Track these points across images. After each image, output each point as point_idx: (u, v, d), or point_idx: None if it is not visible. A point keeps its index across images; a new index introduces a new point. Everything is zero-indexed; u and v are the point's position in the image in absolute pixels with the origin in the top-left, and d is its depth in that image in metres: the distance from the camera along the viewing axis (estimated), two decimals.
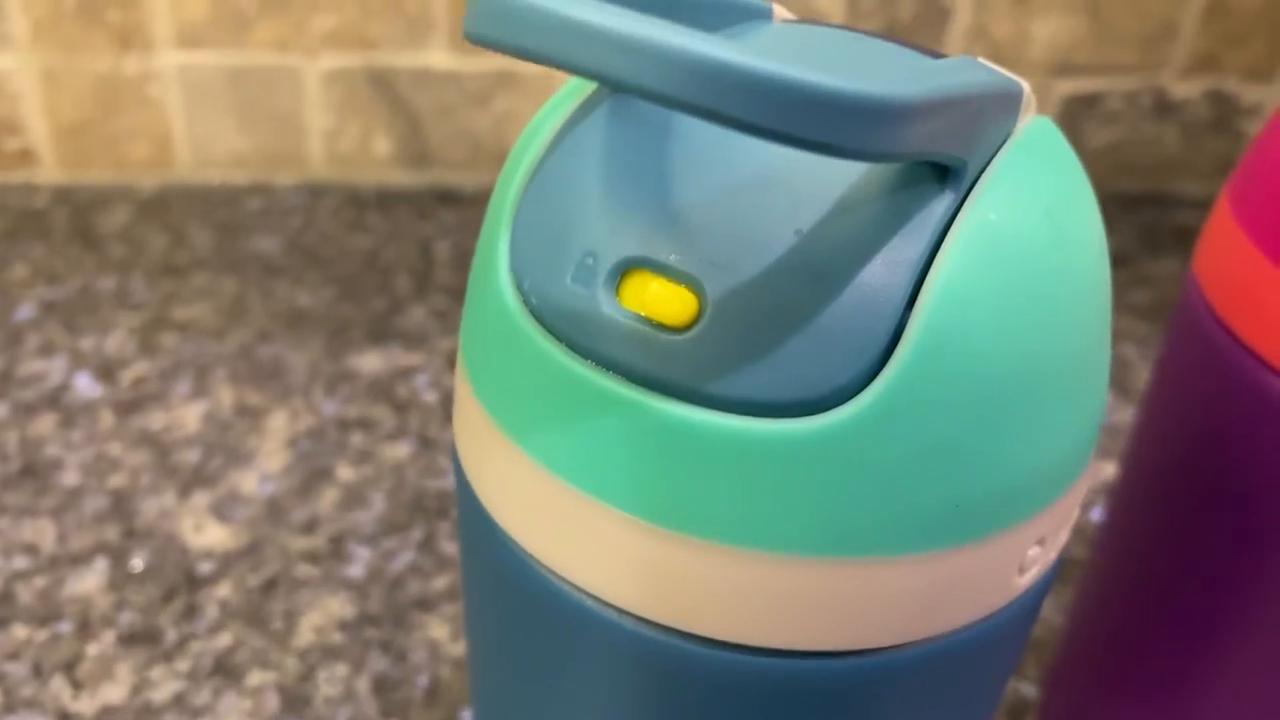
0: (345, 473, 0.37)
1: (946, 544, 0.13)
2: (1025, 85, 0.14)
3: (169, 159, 0.51)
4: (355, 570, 0.33)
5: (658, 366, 0.12)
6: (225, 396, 0.40)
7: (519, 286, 0.13)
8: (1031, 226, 0.12)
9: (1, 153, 0.50)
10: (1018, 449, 0.13)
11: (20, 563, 0.33)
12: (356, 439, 0.38)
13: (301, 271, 0.47)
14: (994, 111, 0.13)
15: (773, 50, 0.14)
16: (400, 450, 0.38)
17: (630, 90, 0.10)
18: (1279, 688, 0.21)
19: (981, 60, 0.15)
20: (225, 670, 0.30)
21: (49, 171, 0.51)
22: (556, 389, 0.13)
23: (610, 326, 0.12)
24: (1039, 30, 0.52)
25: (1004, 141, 0.13)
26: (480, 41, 0.10)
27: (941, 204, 0.12)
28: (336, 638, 0.31)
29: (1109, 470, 0.38)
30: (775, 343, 0.12)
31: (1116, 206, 0.54)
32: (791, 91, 0.09)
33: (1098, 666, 0.25)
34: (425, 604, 0.32)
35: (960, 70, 0.12)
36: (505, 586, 0.15)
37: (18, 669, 0.30)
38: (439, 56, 0.50)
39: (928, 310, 0.12)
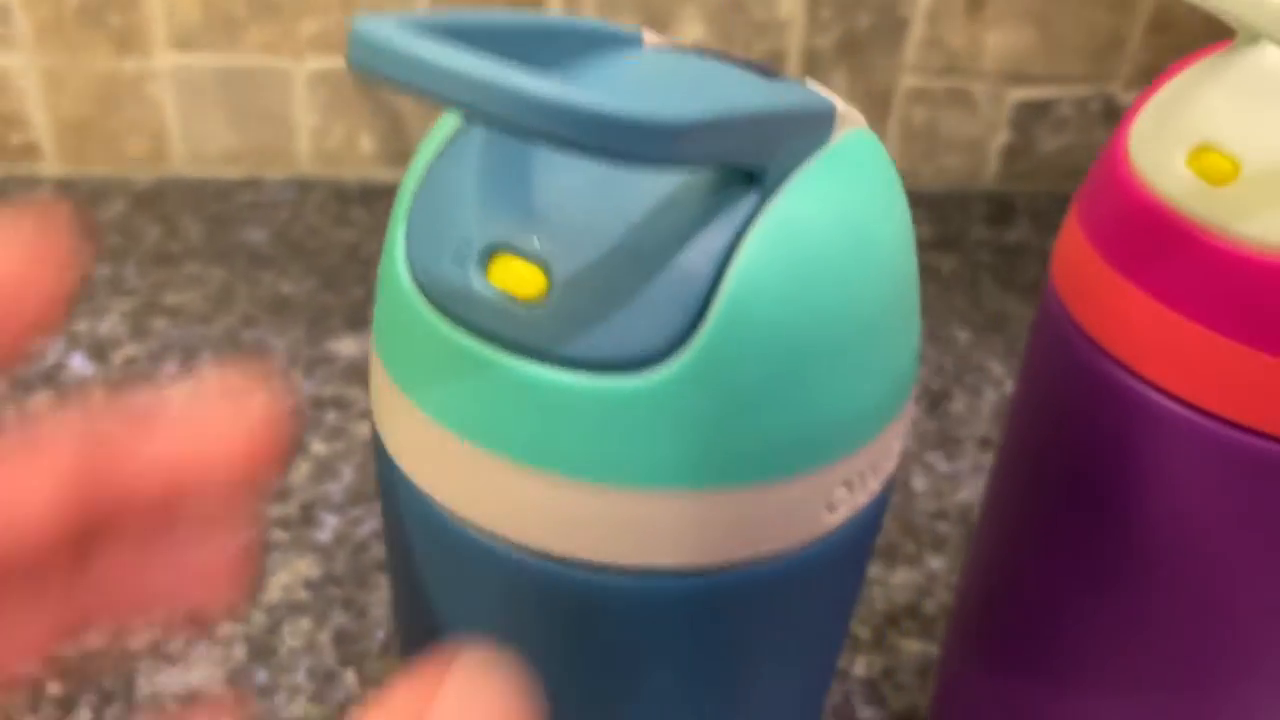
0: (318, 447, 0.40)
1: (759, 480, 0.15)
2: (839, 104, 0.17)
3: (164, 154, 0.54)
4: (323, 535, 0.36)
5: (518, 333, 0.15)
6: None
7: (411, 268, 0.16)
8: (825, 220, 0.15)
9: (6, 146, 0.53)
10: (815, 402, 0.15)
11: None
12: (330, 417, 0.41)
13: (287, 262, 0.50)
14: (797, 127, 0.15)
15: (594, 80, 0.16)
16: (370, 428, 0.40)
17: (461, 109, 0.12)
18: (1125, 652, 0.23)
19: (809, 84, 0.18)
20: (196, 621, 0.33)
21: (50, 165, 0.54)
22: (441, 353, 0.16)
23: (480, 300, 0.15)
24: (992, 41, 0.55)
25: (814, 151, 0.16)
26: (356, 69, 0.13)
27: (748, 202, 0.15)
28: (302, 595, 0.34)
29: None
30: (608, 312, 0.15)
31: (1065, 209, 0.57)
32: (576, 114, 0.12)
33: (979, 632, 0.28)
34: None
35: (768, 93, 0.15)
36: (410, 523, 0.18)
37: None
38: None
39: (729, 286, 0.14)
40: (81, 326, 0.44)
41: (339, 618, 0.34)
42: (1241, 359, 0.19)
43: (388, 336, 0.17)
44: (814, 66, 0.55)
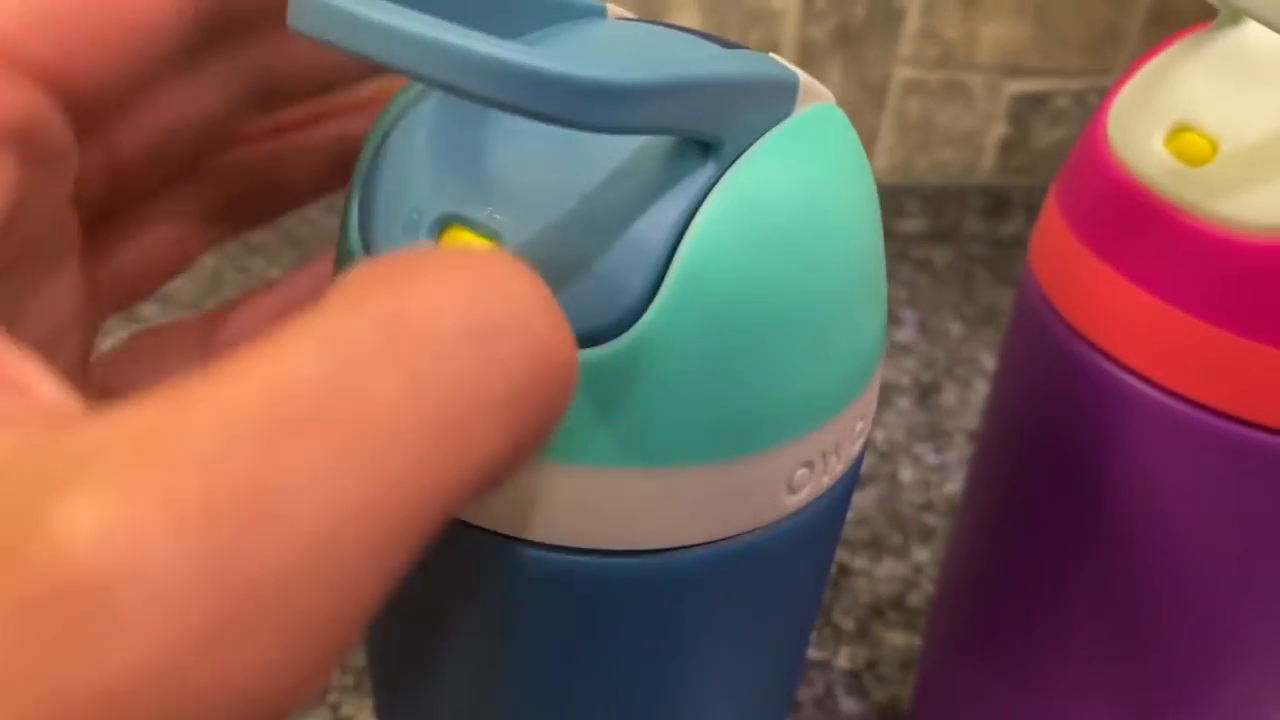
0: None
1: (716, 458, 0.15)
2: (801, 76, 0.16)
3: None
4: None
5: None
6: None
7: (364, 238, 0.16)
8: (783, 192, 0.15)
9: None
10: (772, 380, 0.15)
11: None
12: None
13: (278, 250, 0.49)
14: (755, 98, 0.15)
15: (550, 45, 0.16)
16: None
17: (404, 73, 0.12)
18: (1103, 637, 0.23)
19: (771, 56, 0.17)
20: None
21: None
22: None
23: None
24: (987, 33, 0.55)
25: (776, 124, 0.16)
26: (297, 31, 0.13)
27: (704, 174, 0.14)
28: None
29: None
30: (561, 285, 0.14)
31: None
32: (523, 74, 0.12)
33: (959, 621, 0.27)
34: None
35: (725, 61, 0.15)
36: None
37: None
38: None
39: (683, 258, 0.14)
40: None
41: None
42: (1216, 342, 0.19)
43: None
44: (808, 57, 0.54)
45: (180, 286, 0.46)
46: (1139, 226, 0.20)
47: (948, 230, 0.55)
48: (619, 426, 0.15)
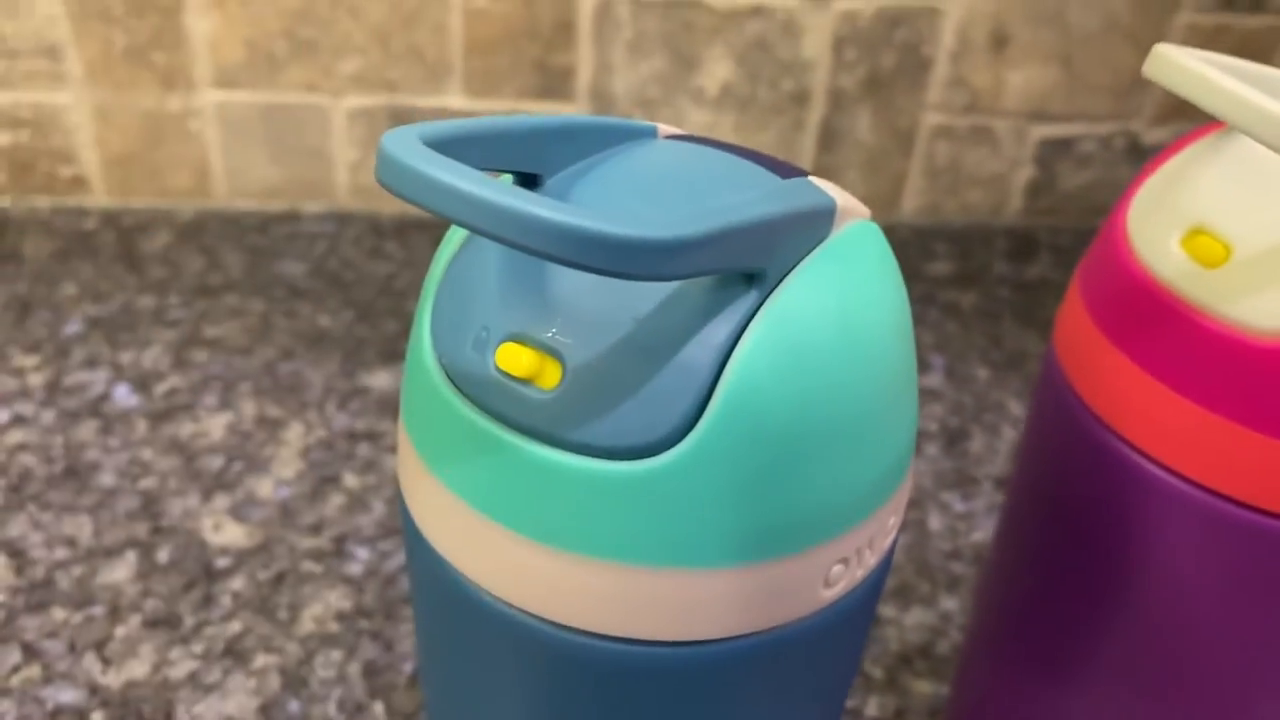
0: (351, 480, 0.41)
1: (756, 559, 0.16)
2: (839, 200, 0.18)
3: (207, 188, 0.56)
4: (354, 568, 0.38)
5: (532, 418, 0.16)
6: (248, 409, 0.44)
7: (436, 351, 0.17)
8: (820, 316, 0.16)
9: (57, 179, 0.55)
10: (810, 486, 0.16)
11: (61, 553, 0.37)
12: (363, 449, 0.42)
13: (324, 294, 0.51)
14: (796, 229, 0.16)
15: (606, 185, 0.17)
16: None
17: (477, 232, 0.14)
18: (1120, 694, 0.24)
19: (815, 181, 0.18)
20: (235, 653, 0.34)
21: (98, 197, 0.56)
22: (460, 432, 0.17)
23: (497, 385, 0.16)
24: (1015, 80, 0.56)
25: (815, 246, 0.17)
26: (383, 187, 0.14)
27: (747, 300, 0.16)
28: (334, 627, 0.35)
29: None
30: (615, 402, 0.16)
31: (1088, 243, 0.57)
32: (579, 237, 0.13)
33: (985, 673, 0.28)
34: None
35: (766, 200, 0.16)
36: (431, 585, 0.19)
37: (56, 646, 0.34)
38: (455, 99, 0.54)
39: (728, 382, 0.15)
40: (126, 358, 0.46)
41: (368, 650, 0.35)
42: (1227, 433, 0.20)
43: (415, 413, 0.18)
44: (839, 105, 0.56)
45: (230, 333, 0.48)
46: (1155, 321, 0.21)
47: (975, 273, 0.56)
48: (664, 531, 0.16)
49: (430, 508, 0.18)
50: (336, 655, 0.35)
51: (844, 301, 0.17)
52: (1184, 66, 0.19)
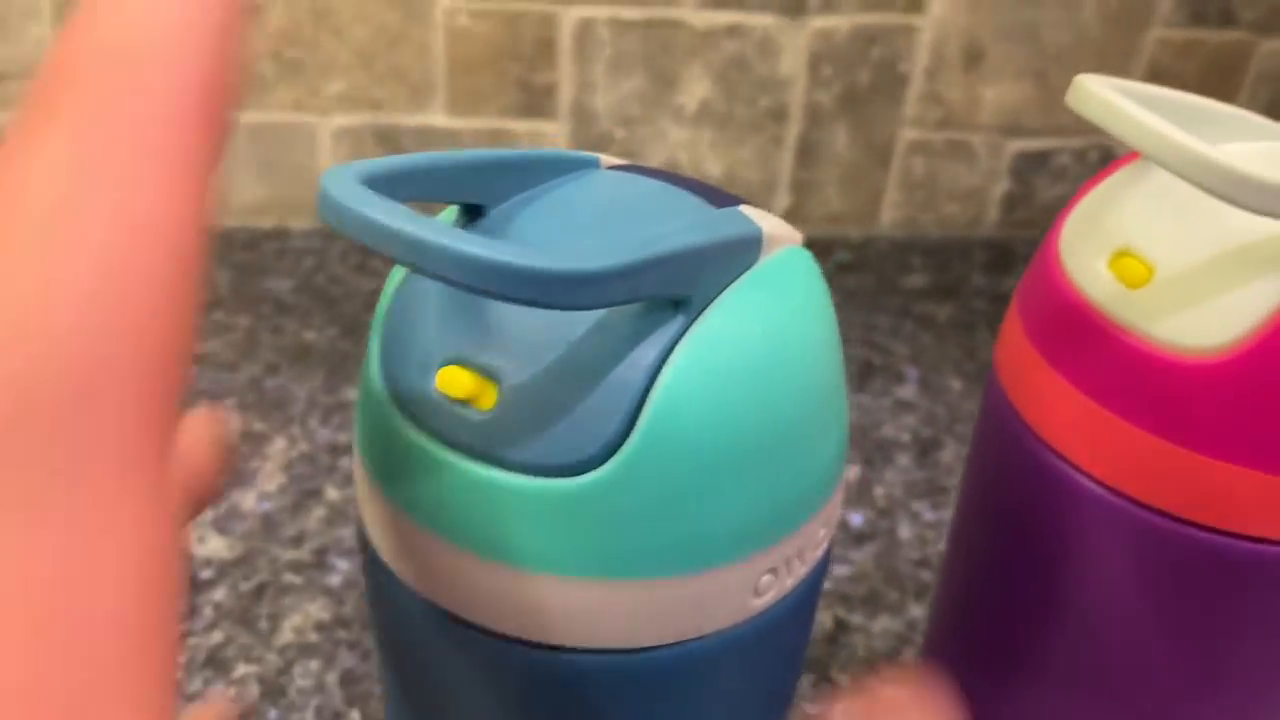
0: (332, 493, 0.42)
1: (684, 571, 0.17)
2: (765, 227, 0.18)
3: None
4: (334, 579, 0.38)
5: (470, 437, 0.17)
6: (233, 423, 0.45)
7: (384, 375, 0.18)
8: (743, 339, 0.17)
9: None
10: (736, 502, 0.17)
11: None
12: (345, 463, 0.43)
13: (310, 310, 0.52)
14: (720, 257, 0.17)
15: (540, 217, 0.18)
16: None
17: (411, 268, 0.14)
18: (1065, 691, 0.25)
19: (746, 210, 0.19)
20: (216, 663, 0.35)
21: None
22: (405, 451, 0.18)
23: (438, 406, 0.17)
24: (989, 95, 0.57)
25: (742, 273, 0.18)
26: (325, 223, 0.15)
27: (674, 325, 0.17)
28: (313, 637, 0.36)
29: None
30: (547, 423, 0.17)
31: None
32: (504, 272, 0.14)
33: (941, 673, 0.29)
34: None
35: (694, 230, 0.17)
36: (383, 597, 0.20)
37: None
38: (439, 117, 0.55)
39: (653, 403, 0.16)
40: None
41: (346, 660, 0.36)
42: (1151, 447, 0.21)
43: (365, 433, 0.19)
44: (816, 121, 0.57)
45: (217, 348, 0.49)
46: (1084, 339, 0.22)
47: (951, 285, 0.57)
48: (595, 545, 0.17)
49: (380, 522, 0.19)
50: (315, 665, 0.35)
51: (767, 325, 0.17)
52: (1100, 98, 0.20)
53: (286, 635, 0.36)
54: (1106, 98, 0.19)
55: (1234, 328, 0.20)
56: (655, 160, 0.57)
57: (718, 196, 0.20)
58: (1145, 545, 0.22)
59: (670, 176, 0.20)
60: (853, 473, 0.45)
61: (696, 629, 0.18)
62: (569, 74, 0.55)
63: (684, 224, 0.17)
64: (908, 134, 0.58)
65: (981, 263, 0.59)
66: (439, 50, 0.54)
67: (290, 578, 0.38)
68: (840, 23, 0.54)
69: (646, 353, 0.17)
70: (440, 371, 0.17)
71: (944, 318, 0.54)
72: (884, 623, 0.38)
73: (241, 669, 0.35)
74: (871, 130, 0.57)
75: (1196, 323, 0.20)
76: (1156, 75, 0.57)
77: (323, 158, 0.56)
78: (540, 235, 0.18)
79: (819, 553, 0.20)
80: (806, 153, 0.58)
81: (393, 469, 0.18)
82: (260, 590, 0.38)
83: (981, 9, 0.55)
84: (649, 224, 0.18)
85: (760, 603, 0.18)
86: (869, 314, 0.54)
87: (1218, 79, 0.57)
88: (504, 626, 0.18)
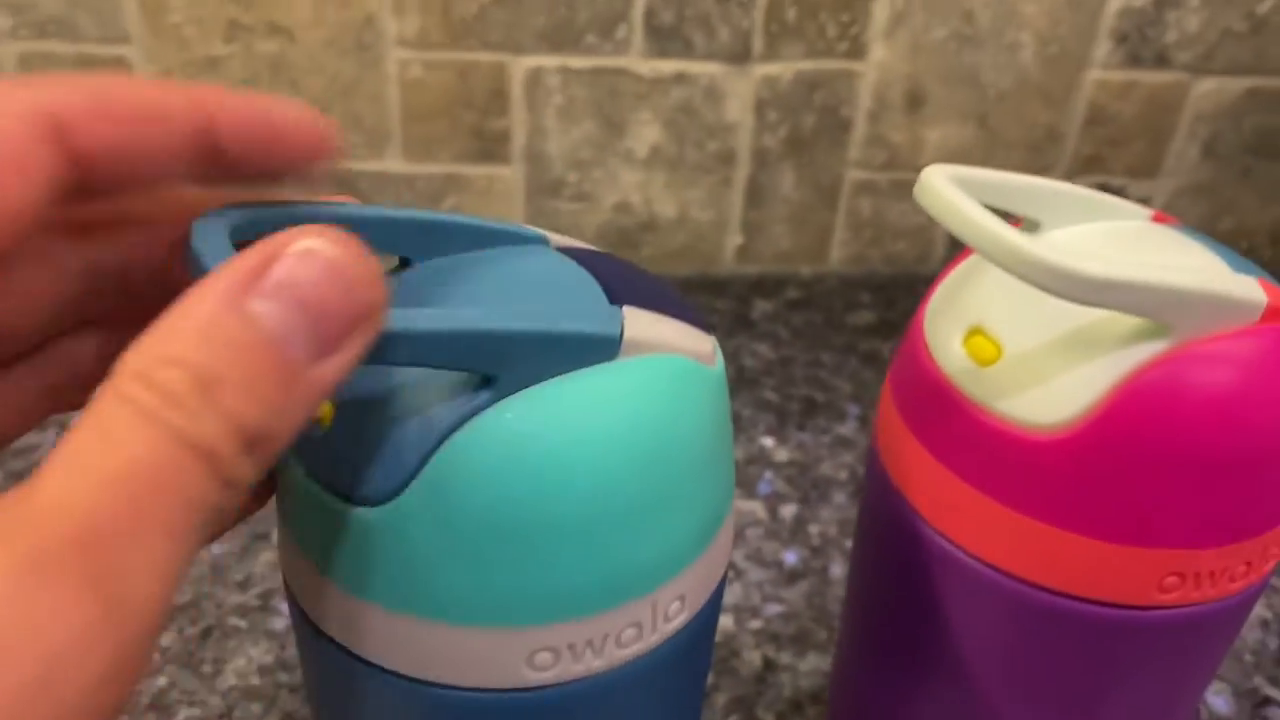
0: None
1: (464, 623, 0.18)
2: (630, 334, 0.18)
3: None
4: (278, 623, 0.40)
5: (310, 455, 0.19)
6: None
7: None
8: (536, 426, 0.17)
9: None
10: (501, 572, 0.18)
11: None
12: None
13: None
14: (541, 348, 0.17)
15: (431, 282, 0.20)
16: None
17: None
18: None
19: (634, 313, 0.19)
20: (159, 708, 0.36)
21: None
22: (282, 470, 0.20)
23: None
24: (932, 137, 0.58)
25: (581, 367, 0.18)
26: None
27: (480, 399, 0.17)
28: (255, 680, 0.38)
29: None
30: (358, 453, 0.18)
31: None
32: None
33: (841, 709, 0.31)
34: None
35: (511, 317, 0.17)
36: (294, 623, 0.21)
37: None
38: (395, 163, 0.57)
39: (436, 458, 0.17)
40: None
41: (287, 702, 0.37)
42: (1003, 517, 0.22)
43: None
44: (763, 163, 0.58)
45: None
46: (942, 415, 0.23)
47: (897, 321, 0.58)
48: (385, 574, 0.18)
49: (281, 544, 0.21)
50: (256, 708, 0.37)
51: (575, 421, 0.18)
52: (936, 193, 0.21)
53: (229, 679, 0.38)
54: (941, 193, 0.21)
55: (1072, 406, 0.21)
56: (609, 201, 0.59)
57: (634, 293, 0.20)
58: (1006, 608, 0.23)
59: (602, 263, 0.20)
60: (789, 511, 0.46)
61: (482, 681, 0.19)
62: (521, 121, 0.56)
63: (527, 310, 0.18)
64: (853, 175, 0.59)
65: None
66: (393, 99, 0.55)
67: (235, 621, 0.40)
68: (784, 69, 0.56)
69: (449, 413, 0.17)
70: None
71: (888, 354, 0.56)
72: (812, 661, 0.40)
73: (184, 713, 0.36)
74: (818, 172, 0.59)
75: (1039, 401, 0.22)
76: (1095, 115, 0.59)
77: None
78: (417, 295, 0.19)
79: (630, 649, 0.20)
80: (756, 194, 0.59)
81: (283, 491, 0.20)
82: (206, 634, 0.39)
83: (922, 55, 0.56)
84: (502, 302, 0.19)
85: (538, 677, 0.19)
86: (815, 351, 0.56)
87: (1156, 118, 0.59)
88: (362, 651, 0.19)
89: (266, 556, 0.42)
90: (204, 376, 0.13)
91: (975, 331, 0.23)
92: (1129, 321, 0.21)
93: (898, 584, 0.25)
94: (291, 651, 0.39)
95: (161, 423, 0.13)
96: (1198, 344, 0.21)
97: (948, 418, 0.23)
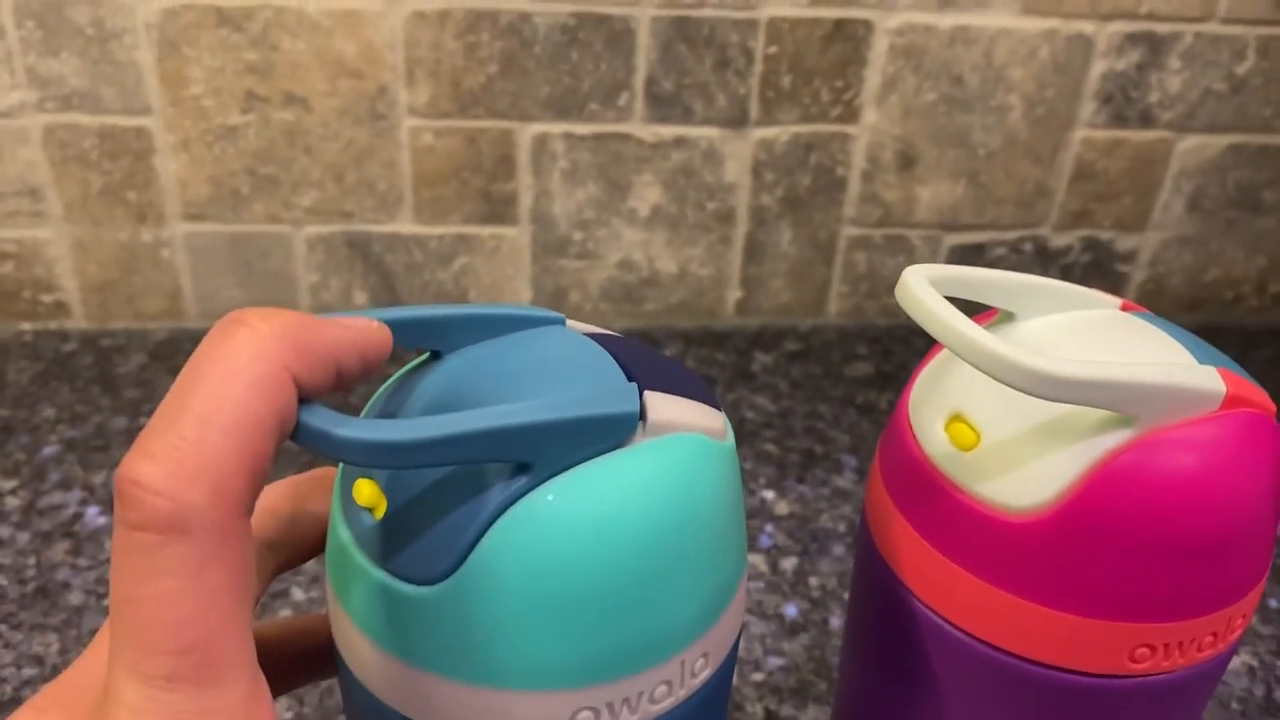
0: (299, 594, 0.45)
1: (502, 686, 0.20)
2: (653, 415, 0.20)
3: (178, 311, 0.60)
4: None
5: (365, 540, 0.20)
6: None
7: (340, 481, 0.21)
8: (570, 508, 0.19)
9: (39, 305, 0.60)
10: (540, 641, 0.19)
11: (29, 672, 0.41)
12: (310, 564, 0.46)
13: None
14: (560, 436, 0.19)
15: (460, 370, 0.21)
16: None
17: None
18: None
19: (656, 397, 0.21)
20: None
21: (78, 321, 0.60)
22: (337, 550, 0.21)
23: (356, 513, 0.20)
24: (924, 195, 0.60)
25: (610, 449, 0.20)
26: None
27: (517, 485, 0.19)
28: None
29: None
30: (411, 540, 0.19)
31: None
32: (342, 445, 0.17)
33: None
34: None
35: (537, 410, 0.19)
36: (349, 691, 0.23)
37: None
38: (406, 225, 0.59)
39: (481, 545, 0.19)
40: (98, 479, 0.50)
41: None
42: (984, 592, 0.24)
43: (329, 540, 0.22)
44: (761, 221, 0.60)
45: None
46: (926, 495, 0.25)
47: (893, 372, 0.60)
48: (440, 647, 0.20)
49: (333, 614, 0.22)
50: None
51: (609, 499, 0.19)
52: (910, 294, 0.23)
53: None
54: (918, 298, 0.23)
55: (1046, 490, 0.23)
56: (613, 259, 0.61)
57: (651, 375, 0.21)
58: (986, 675, 0.25)
59: (617, 345, 0.22)
60: (789, 564, 0.48)
61: None
62: (527, 184, 0.58)
63: (555, 400, 0.20)
64: (849, 231, 0.61)
65: (922, 350, 0.62)
66: (405, 165, 0.57)
67: None
68: (779, 133, 0.58)
69: (490, 502, 0.19)
70: (355, 481, 0.20)
71: (885, 404, 0.57)
72: (812, 713, 0.41)
73: None
74: (814, 229, 0.61)
75: (1015, 485, 0.23)
76: (1083, 171, 0.61)
77: (298, 264, 0.59)
78: (454, 391, 0.21)
79: (662, 704, 0.21)
80: (754, 250, 0.61)
81: (334, 568, 0.21)
82: None
83: (913, 117, 0.58)
84: (531, 386, 0.21)
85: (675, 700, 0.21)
86: (814, 403, 0.58)
87: (1142, 174, 0.61)
88: (417, 717, 0.20)
89: (283, 612, 0.44)
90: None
91: (956, 418, 0.25)
92: (1098, 412, 0.23)
93: (886, 649, 0.27)
94: (310, 708, 0.40)
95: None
96: (1162, 431, 0.23)
97: (931, 497, 0.25)
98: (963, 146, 0.59)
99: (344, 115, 0.55)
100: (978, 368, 0.22)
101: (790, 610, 0.45)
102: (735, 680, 0.42)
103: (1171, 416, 0.23)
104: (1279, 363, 0.64)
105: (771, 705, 0.41)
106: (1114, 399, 0.22)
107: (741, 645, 0.44)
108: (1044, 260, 0.63)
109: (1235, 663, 0.44)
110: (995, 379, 0.22)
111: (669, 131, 0.57)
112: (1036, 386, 0.21)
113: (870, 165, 0.59)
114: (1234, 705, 0.42)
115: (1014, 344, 0.22)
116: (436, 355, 0.22)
